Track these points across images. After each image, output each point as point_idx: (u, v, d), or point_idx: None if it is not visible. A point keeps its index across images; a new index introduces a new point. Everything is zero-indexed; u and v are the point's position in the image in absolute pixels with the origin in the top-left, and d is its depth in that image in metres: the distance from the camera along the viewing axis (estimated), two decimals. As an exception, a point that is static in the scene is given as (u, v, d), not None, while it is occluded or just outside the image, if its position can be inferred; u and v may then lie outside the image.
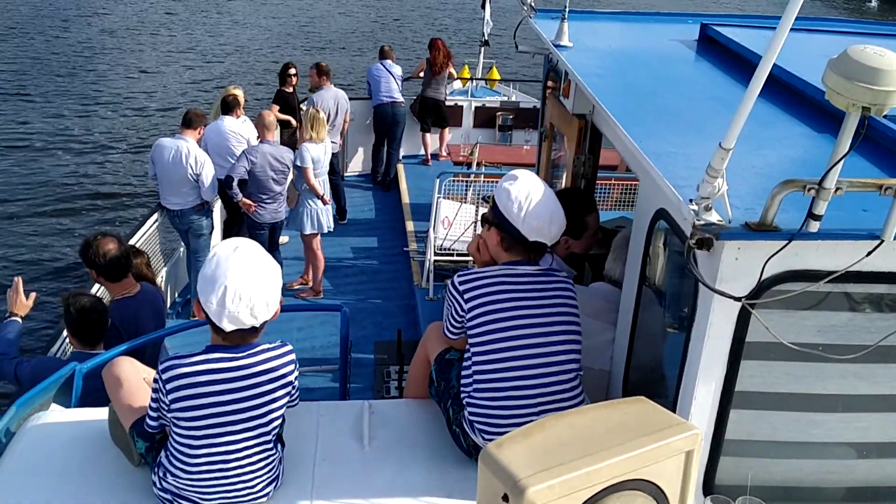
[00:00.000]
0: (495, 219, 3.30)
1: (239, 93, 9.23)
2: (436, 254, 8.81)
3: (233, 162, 8.20)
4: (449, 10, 33.88)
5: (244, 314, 2.83)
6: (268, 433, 3.00)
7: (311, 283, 9.01)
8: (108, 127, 17.83)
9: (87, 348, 4.47)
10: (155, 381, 2.93)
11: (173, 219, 8.23)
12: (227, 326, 2.86)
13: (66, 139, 16.85)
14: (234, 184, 7.98)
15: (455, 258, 8.93)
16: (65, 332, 5.15)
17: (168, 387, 2.87)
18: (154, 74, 22.28)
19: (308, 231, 8.61)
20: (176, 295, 8.91)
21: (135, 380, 3.34)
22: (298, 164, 8.29)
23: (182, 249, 8.86)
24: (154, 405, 2.99)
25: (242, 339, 2.93)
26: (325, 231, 8.70)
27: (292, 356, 3.05)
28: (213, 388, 2.88)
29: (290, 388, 3.04)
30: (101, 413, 3.44)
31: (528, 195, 3.21)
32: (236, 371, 2.91)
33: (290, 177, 8.54)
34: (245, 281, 2.81)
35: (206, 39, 27.00)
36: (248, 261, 2.86)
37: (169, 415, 2.93)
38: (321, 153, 8.41)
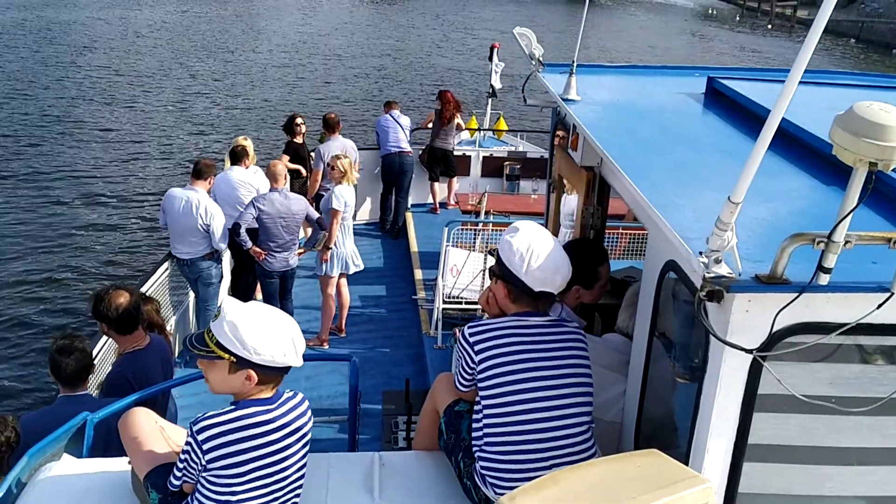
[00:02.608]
0: (500, 272, 3.32)
1: (248, 144, 9.35)
2: (444, 302, 8.82)
3: (241, 211, 8.27)
4: (457, 63, 34.39)
5: (302, 342, 2.98)
6: (300, 481, 3.07)
7: (341, 329, 9.13)
8: (120, 176, 18.03)
9: (69, 391, 4.47)
10: (187, 442, 2.91)
11: (183, 267, 8.29)
12: (298, 361, 2.95)
13: (78, 189, 17.06)
14: (242, 230, 8.02)
15: (464, 306, 8.93)
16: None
17: (206, 447, 2.85)
18: (165, 125, 22.59)
19: (319, 272, 8.69)
20: None
21: (150, 429, 3.34)
22: (332, 206, 8.41)
23: (191, 298, 8.89)
24: (181, 465, 2.98)
25: (280, 379, 3.00)
26: (333, 273, 8.65)
27: (307, 403, 3.13)
28: (255, 442, 2.91)
29: (310, 436, 3.09)
30: (114, 464, 3.43)
31: (530, 246, 3.23)
32: (275, 422, 2.95)
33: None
34: (283, 318, 2.96)
35: (218, 91, 27.40)
36: (261, 307, 3.00)
37: (205, 473, 2.91)
38: (351, 197, 8.50)
